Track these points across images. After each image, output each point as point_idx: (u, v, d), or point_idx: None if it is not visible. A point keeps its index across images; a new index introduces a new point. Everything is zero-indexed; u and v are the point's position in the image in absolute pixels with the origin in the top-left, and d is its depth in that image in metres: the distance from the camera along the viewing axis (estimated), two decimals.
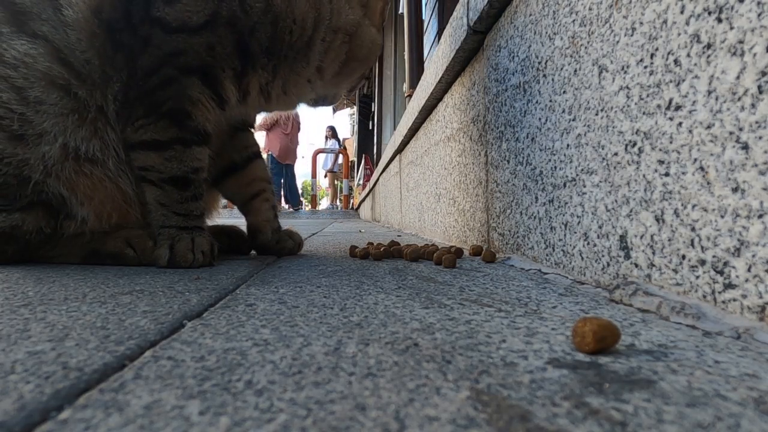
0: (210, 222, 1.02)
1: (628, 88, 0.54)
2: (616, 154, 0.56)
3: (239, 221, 1.12)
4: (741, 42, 0.39)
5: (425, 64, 2.94)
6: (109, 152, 0.79)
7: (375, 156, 6.64)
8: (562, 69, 0.70)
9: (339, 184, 11.13)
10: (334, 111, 11.98)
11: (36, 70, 0.73)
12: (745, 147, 0.39)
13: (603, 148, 0.59)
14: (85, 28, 0.74)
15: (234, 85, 0.82)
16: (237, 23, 0.77)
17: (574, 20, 0.67)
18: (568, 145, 0.68)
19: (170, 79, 0.75)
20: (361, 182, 8.66)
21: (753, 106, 0.38)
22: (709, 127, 0.43)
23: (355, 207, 8.34)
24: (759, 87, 0.38)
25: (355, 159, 10.78)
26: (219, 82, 0.79)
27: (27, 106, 0.73)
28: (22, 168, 0.74)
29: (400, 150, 2.59)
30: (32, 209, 0.76)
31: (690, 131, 0.45)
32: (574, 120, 0.66)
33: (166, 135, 0.77)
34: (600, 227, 0.59)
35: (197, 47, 0.76)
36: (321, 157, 9.49)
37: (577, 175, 0.65)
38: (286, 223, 1.11)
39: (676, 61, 0.47)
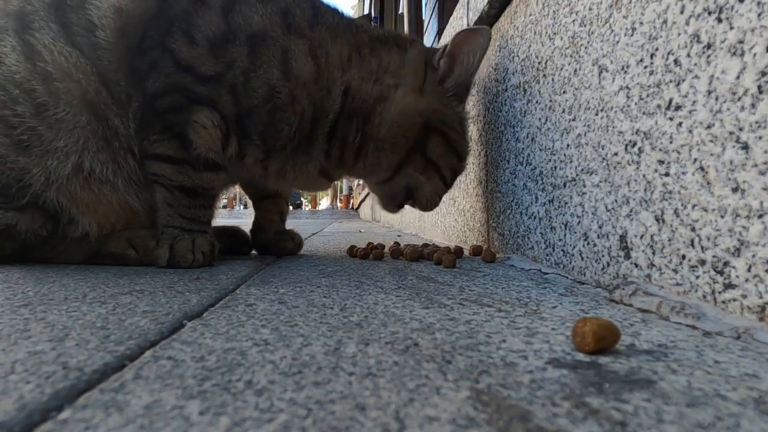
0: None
1: (628, 88, 0.54)
2: (616, 154, 0.56)
3: (239, 221, 1.12)
4: (741, 42, 0.39)
5: None
6: (121, 173, 0.79)
7: None
8: (562, 69, 0.70)
9: (339, 183, 11.11)
10: None
11: (75, 86, 0.73)
12: (745, 147, 0.39)
13: (603, 148, 0.59)
14: (116, 50, 0.75)
15: (234, 135, 0.80)
16: (237, 96, 0.77)
17: (574, 20, 0.67)
18: (568, 145, 0.68)
19: (179, 105, 0.76)
20: (360, 182, 8.66)
21: (753, 106, 0.38)
22: (709, 127, 0.43)
23: (355, 207, 8.32)
24: (759, 87, 0.38)
25: None
26: (225, 120, 0.78)
27: (41, 121, 0.73)
28: (23, 175, 0.74)
29: None
30: (27, 211, 0.76)
31: (690, 131, 0.45)
32: (574, 120, 0.66)
33: (179, 154, 0.77)
34: (600, 227, 0.59)
35: (201, 91, 0.76)
36: None
37: (577, 175, 0.65)
38: (287, 224, 1.12)
39: (676, 61, 0.47)
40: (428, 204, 0.93)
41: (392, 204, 0.95)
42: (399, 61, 0.84)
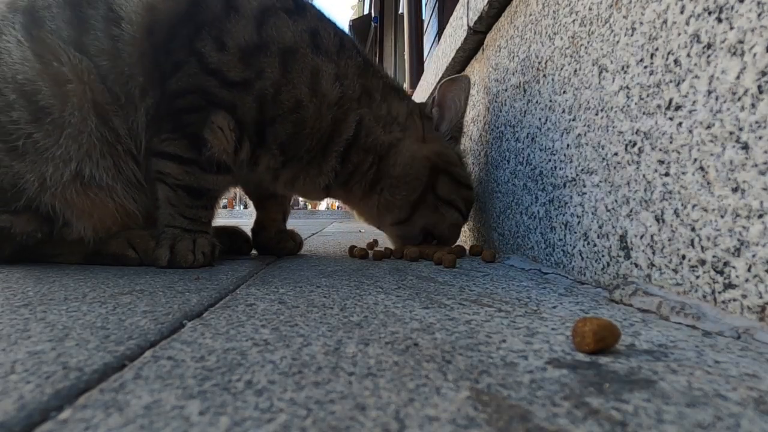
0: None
1: (628, 88, 0.54)
2: (616, 154, 0.56)
3: (239, 221, 1.12)
4: (741, 42, 0.39)
5: (425, 64, 2.94)
6: (120, 178, 0.79)
7: None
8: (562, 69, 0.70)
9: None
10: None
11: (83, 88, 0.73)
12: (745, 147, 0.39)
13: (603, 148, 0.59)
14: (139, 45, 0.76)
15: (248, 141, 0.82)
16: (264, 105, 0.79)
17: (574, 20, 0.67)
18: (568, 145, 0.68)
19: (198, 106, 0.77)
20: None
21: (753, 106, 0.38)
22: (709, 127, 0.43)
23: None
24: (759, 87, 0.38)
25: None
26: (240, 126, 0.80)
27: (38, 128, 0.72)
28: (17, 180, 0.73)
29: None
30: (22, 215, 0.75)
31: (690, 131, 0.45)
32: (574, 120, 0.66)
33: (187, 154, 0.78)
34: (600, 227, 0.59)
35: (224, 96, 0.78)
36: None
37: (577, 175, 0.65)
38: (286, 224, 1.12)
39: (676, 61, 0.47)
40: (451, 235, 0.99)
41: None
42: (405, 113, 0.94)
